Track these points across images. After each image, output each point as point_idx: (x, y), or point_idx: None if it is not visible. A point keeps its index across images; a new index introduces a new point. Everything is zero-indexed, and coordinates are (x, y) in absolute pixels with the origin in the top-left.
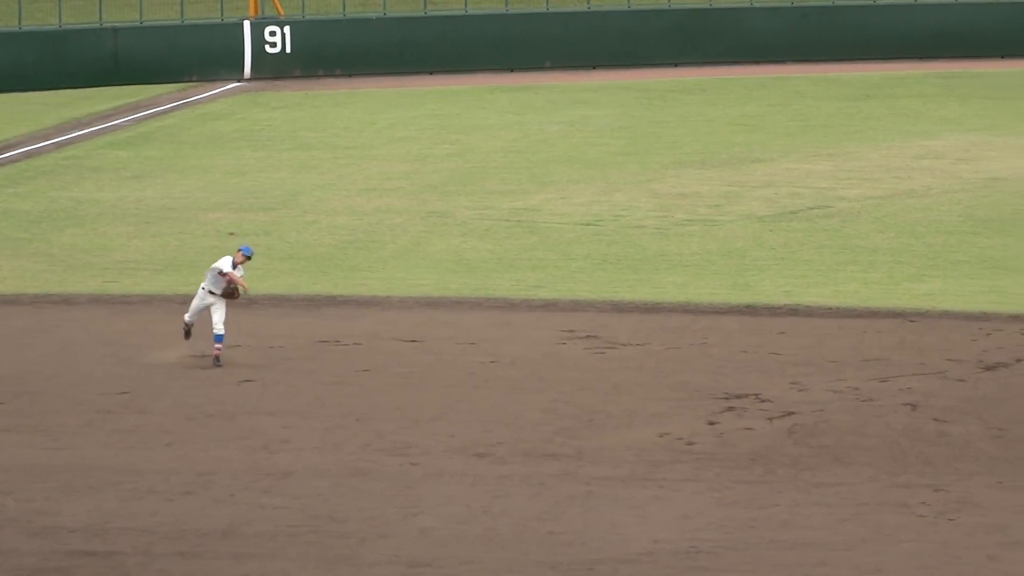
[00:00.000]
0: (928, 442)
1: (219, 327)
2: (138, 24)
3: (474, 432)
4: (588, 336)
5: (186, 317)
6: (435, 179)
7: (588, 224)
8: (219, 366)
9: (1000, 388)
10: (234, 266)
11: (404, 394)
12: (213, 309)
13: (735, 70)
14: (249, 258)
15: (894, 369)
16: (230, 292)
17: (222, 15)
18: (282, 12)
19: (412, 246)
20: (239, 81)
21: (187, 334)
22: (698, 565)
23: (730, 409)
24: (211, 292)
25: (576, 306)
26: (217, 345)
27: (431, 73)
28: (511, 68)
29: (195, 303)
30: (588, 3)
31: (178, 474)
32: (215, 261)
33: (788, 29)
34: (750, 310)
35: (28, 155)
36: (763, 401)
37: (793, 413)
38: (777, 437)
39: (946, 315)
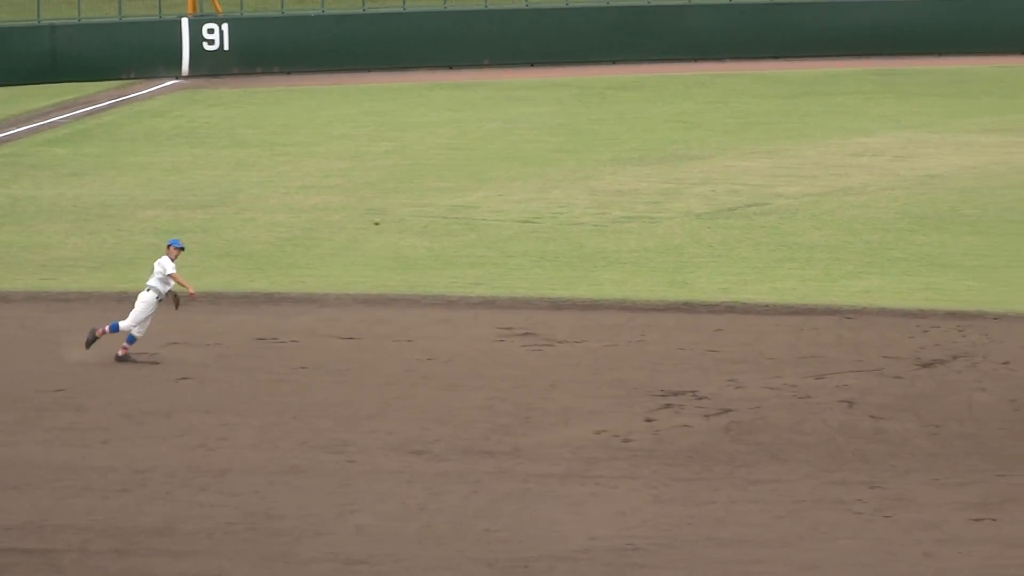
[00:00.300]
0: (865, 439)
1: (136, 329)
2: (76, 21)
3: (411, 429)
4: (526, 333)
5: (136, 332)
6: (373, 176)
7: (526, 221)
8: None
9: (936, 385)
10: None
11: (341, 391)
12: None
13: (674, 67)
14: (182, 249)
15: (831, 366)
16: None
17: (160, 12)
18: (220, 9)
19: (350, 243)
20: (177, 78)
21: (90, 343)
22: (634, 562)
23: (667, 406)
24: (159, 299)
25: (514, 303)
26: (127, 343)
27: (369, 70)
28: (449, 65)
29: (145, 311)
30: (526, 1)
31: (115, 471)
32: (153, 259)
33: (727, 27)
34: (687, 307)
35: None
36: (700, 398)
37: (730, 410)
38: (714, 434)
39: (883, 312)
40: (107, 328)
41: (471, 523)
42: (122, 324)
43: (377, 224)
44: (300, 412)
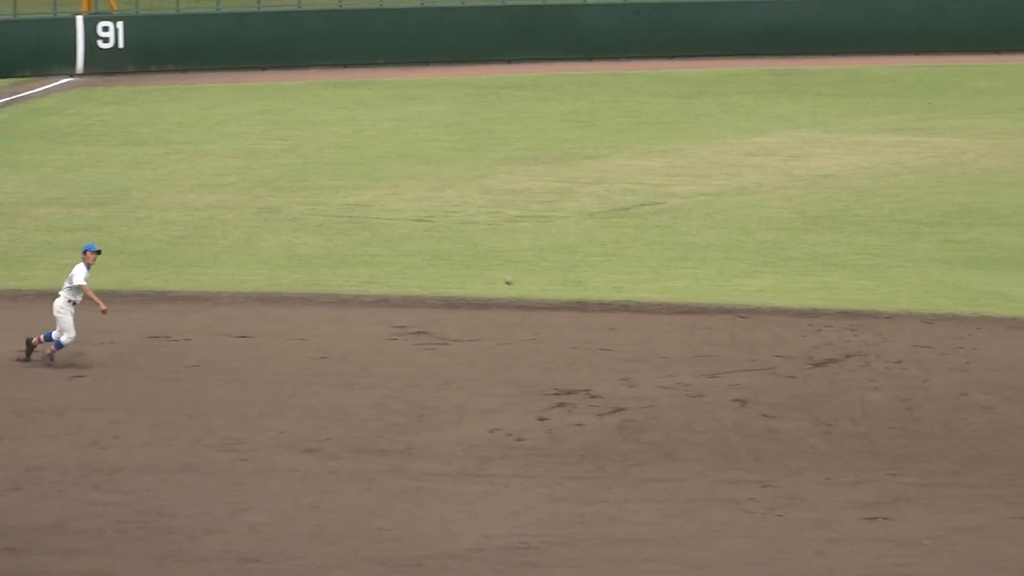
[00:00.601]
0: (757, 438)
1: (64, 336)
2: None
3: (304, 428)
4: (419, 332)
5: (64, 339)
6: (267, 175)
7: (420, 220)
8: (50, 365)
9: (829, 384)
10: (87, 268)
11: (234, 390)
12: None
13: (568, 66)
14: (99, 253)
15: (724, 365)
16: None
17: (55, 10)
18: (115, 7)
19: (244, 242)
20: (72, 76)
21: (29, 352)
22: (527, 561)
23: (560, 405)
24: (72, 303)
25: (407, 302)
26: (54, 347)
27: (264, 69)
28: (344, 64)
29: (68, 320)
30: (421, 0)
31: (6, 469)
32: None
33: (621, 26)
34: (581, 306)
35: None
36: (593, 397)
37: (623, 409)
38: (607, 433)
39: (776, 311)
40: (42, 337)
41: (364, 521)
42: (54, 335)
43: (509, 284)
44: (193, 410)
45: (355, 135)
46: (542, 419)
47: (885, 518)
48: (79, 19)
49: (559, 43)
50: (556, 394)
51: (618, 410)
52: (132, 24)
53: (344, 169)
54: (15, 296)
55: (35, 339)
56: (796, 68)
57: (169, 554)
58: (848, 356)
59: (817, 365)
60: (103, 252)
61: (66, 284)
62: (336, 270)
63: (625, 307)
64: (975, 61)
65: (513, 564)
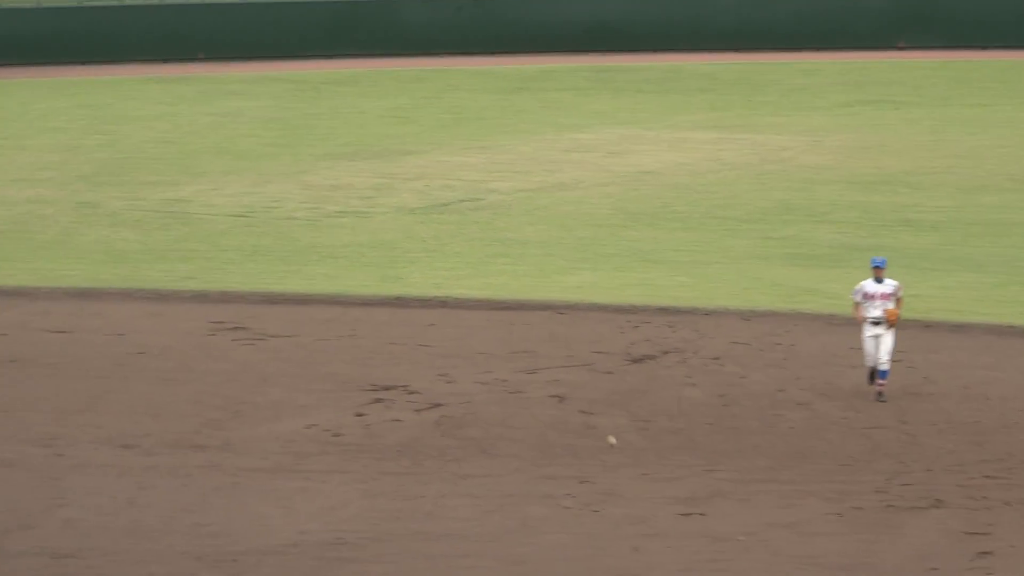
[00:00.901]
0: (575, 434)
1: None
2: None
3: (121, 423)
4: (237, 327)
5: None
6: (86, 169)
7: (239, 216)
8: None
9: (646, 380)
10: None
11: (51, 385)
12: None
13: (389, 62)
14: None
15: (542, 361)
16: None
17: None
18: None
19: (62, 237)
20: None
21: None
22: (342, 556)
23: (378, 401)
24: None
25: (226, 297)
26: None
27: (83, 63)
28: (164, 59)
29: None
30: None
31: None
32: None
33: (441, 22)
34: (400, 302)
35: None
36: (411, 393)
37: (441, 405)
38: (424, 429)
39: (595, 308)
40: None
41: (181, 517)
42: None
43: (613, 444)
44: (9, 406)
45: (174, 130)
46: (359, 415)
47: (701, 514)
48: None
49: (380, 39)
50: (374, 390)
51: (436, 406)
52: None
53: (163, 164)
54: None
55: None
56: (616, 65)
57: None
58: (666, 352)
59: (635, 361)
60: None
61: None
62: (155, 265)
63: (444, 303)
64: (795, 58)
65: (329, 560)
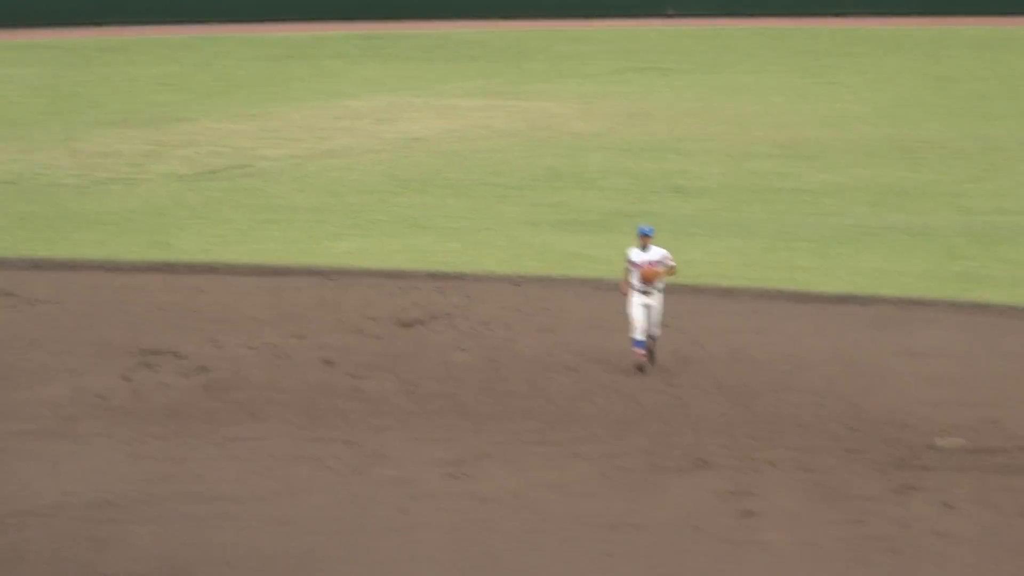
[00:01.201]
0: (343, 397)
1: None
2: None
3: None
4: (5, 294)
5: None
6: None
7: (7, 183)
8: None
9: (415, 345)
10: None
11: None
12: None
13: (158, 30)
14: None
15: (311, 326)
16: None
17: None
18: None
19: None
20: None
21: None
22: (108, 517)
23: (146, 365)
24: None
25: None
26: None
27: None
28: None
29: None
30: None
31: None
32: None
33: None
34: (168, 267)
35: None
36: (180, 358)
37: (209, 369)
38: (192, 392)
39: (364, 273)
40: None
41: None
42: None
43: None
44: None
45: None
46: (127, 379)
47: (468, 475)
48: None
49: (149, 5)
50: (142, 354)
51: (204, 370)
52: None
53: None
54: None
55: None
56: (386, 32)
57: None
58: (435, 317)
59: (404, 326)
60: None
61: None
62: None
63: (213, 269)
64: (564, 26)
65: (94, 521)
